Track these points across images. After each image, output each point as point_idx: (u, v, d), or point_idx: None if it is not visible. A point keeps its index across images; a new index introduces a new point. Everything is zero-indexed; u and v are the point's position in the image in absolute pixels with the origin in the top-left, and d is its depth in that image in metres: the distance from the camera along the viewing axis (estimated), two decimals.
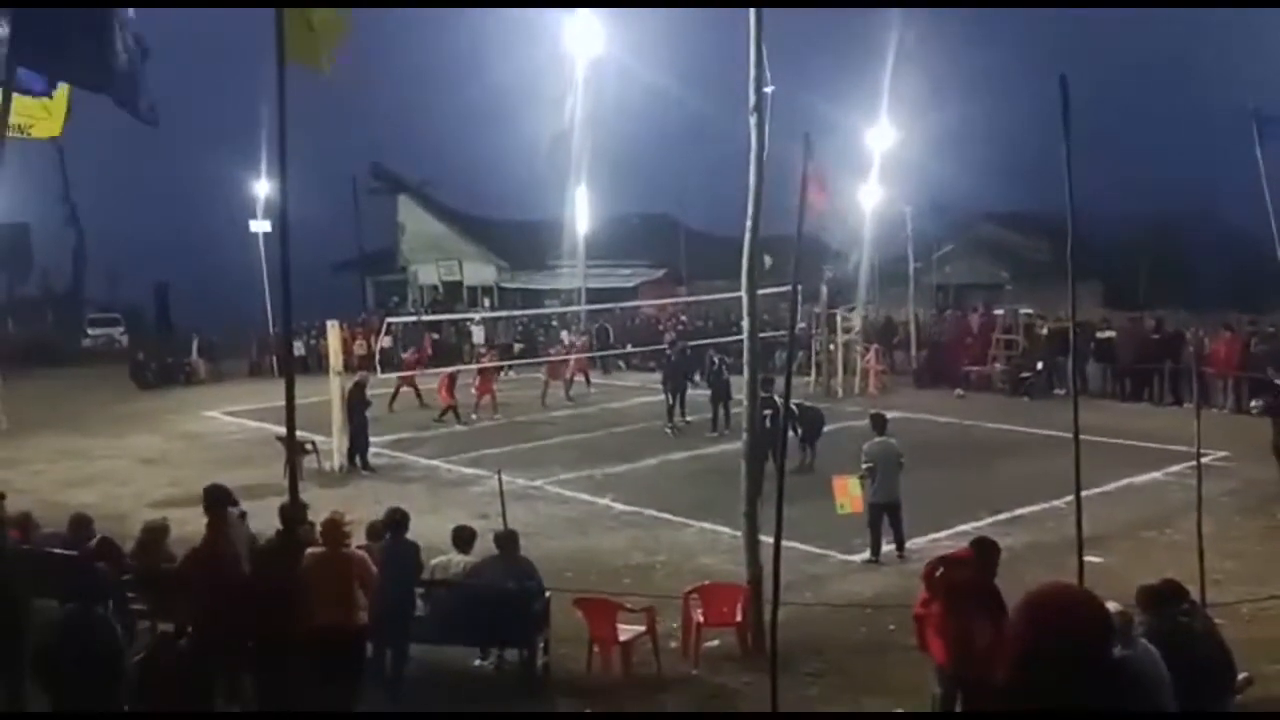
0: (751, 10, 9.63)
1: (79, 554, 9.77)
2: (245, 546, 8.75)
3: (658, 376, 24.38)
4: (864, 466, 12.68)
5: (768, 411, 15.00)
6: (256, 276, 31.12)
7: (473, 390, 24.04)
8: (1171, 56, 50.62)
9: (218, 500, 8.69)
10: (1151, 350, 24.11)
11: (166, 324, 46.57)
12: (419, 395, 25.41)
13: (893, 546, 12.76)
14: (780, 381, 12.85)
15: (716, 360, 21.99)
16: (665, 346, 25.24)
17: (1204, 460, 10.81)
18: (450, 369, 25.27)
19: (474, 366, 26.18)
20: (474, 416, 23.44)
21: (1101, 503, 13.88)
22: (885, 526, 12.71)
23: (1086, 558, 9.44)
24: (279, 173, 6.73)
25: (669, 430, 21.27)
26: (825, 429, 17.95)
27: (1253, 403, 19.01)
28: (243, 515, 9.33)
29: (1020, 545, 12.84)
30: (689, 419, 21.77)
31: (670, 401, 21.71)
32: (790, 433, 16.49)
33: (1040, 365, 25.33)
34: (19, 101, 7.86)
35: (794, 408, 16.86)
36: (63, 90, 8.90)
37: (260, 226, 34.32)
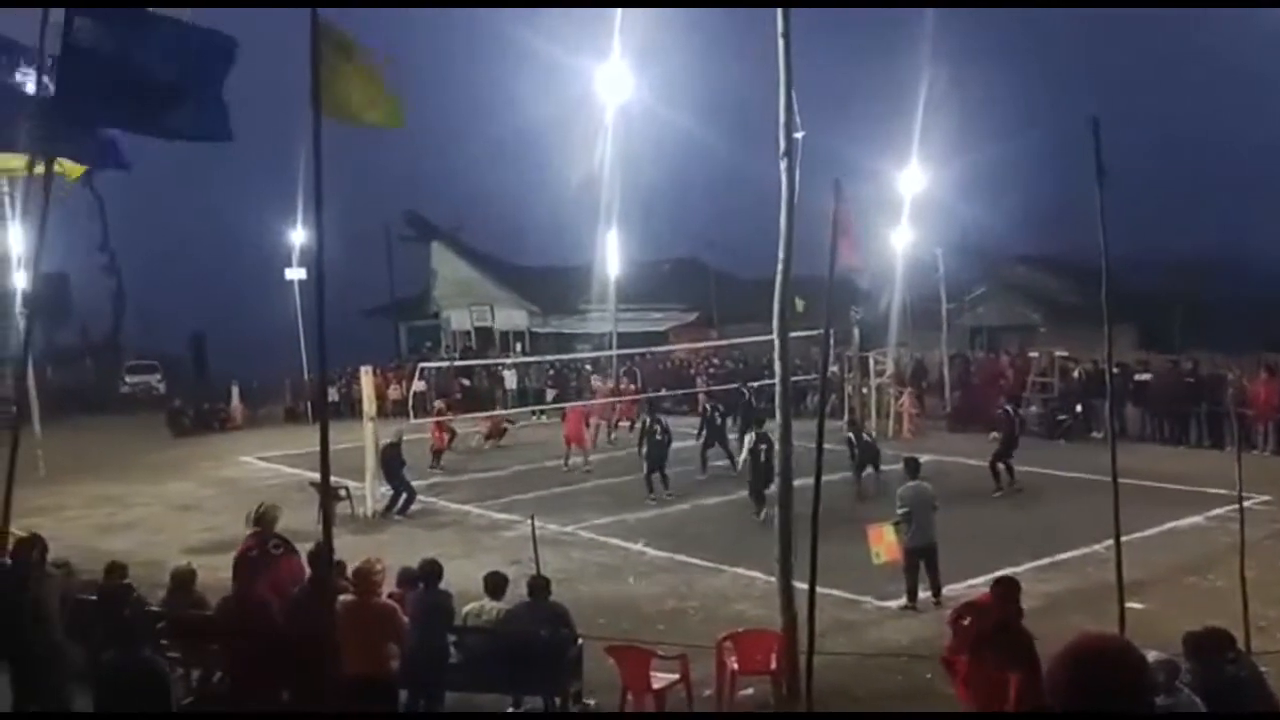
0: (781, 54, 9.69)
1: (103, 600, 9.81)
2: (56, 600, 8.78)
3: (689, 421, 24.36)
4: (899, 511, 12.57)
5: (763, 446, 16.18)
6: (292, 323, 31.47)
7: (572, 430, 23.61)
8: (1202, 98, 50.58)
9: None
10: (1190, 393, 23.83)
11: (203, 371, 47.10)
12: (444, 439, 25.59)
13: (929, 593, 12.61)
14: (771, 424, 12.92)
15: (709, 408, 22.92)
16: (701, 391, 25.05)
17: (1246, 504, 10.64)
18: (437, 417, 25.00)
19: (502, 413, 26.09)
20: (587, 463, 22.92)
21: (1142, 547, 13.64)
22: (921, 573, 12.57)
23: (1128, 604, 9.30)
24: (315, 220, 6.83)
25: (651, 500, 19.50)
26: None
27: (991, 434, 20.05)
28: (68, 572, 9.67)
29: (1061, 591, 12.68)
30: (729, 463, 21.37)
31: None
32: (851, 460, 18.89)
33: (1079, 408, 25.10)
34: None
35: (851, 437, 19.43)
36: None
37: (295, 274, 34.75)
